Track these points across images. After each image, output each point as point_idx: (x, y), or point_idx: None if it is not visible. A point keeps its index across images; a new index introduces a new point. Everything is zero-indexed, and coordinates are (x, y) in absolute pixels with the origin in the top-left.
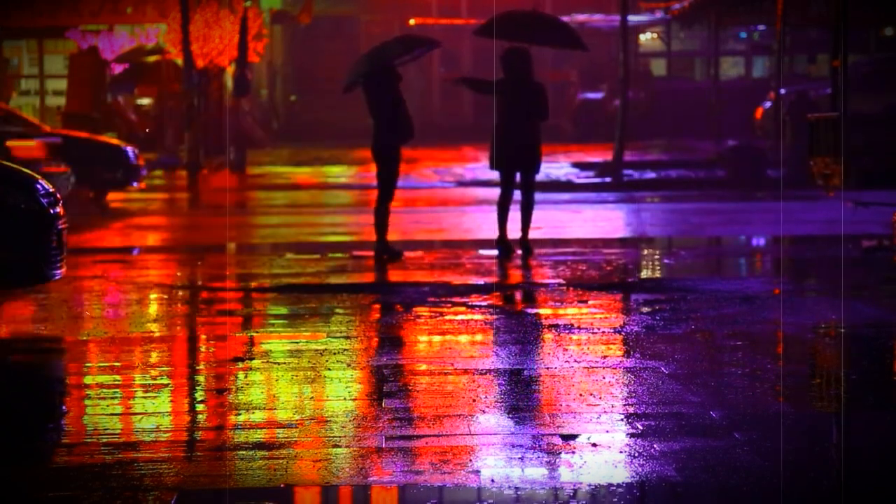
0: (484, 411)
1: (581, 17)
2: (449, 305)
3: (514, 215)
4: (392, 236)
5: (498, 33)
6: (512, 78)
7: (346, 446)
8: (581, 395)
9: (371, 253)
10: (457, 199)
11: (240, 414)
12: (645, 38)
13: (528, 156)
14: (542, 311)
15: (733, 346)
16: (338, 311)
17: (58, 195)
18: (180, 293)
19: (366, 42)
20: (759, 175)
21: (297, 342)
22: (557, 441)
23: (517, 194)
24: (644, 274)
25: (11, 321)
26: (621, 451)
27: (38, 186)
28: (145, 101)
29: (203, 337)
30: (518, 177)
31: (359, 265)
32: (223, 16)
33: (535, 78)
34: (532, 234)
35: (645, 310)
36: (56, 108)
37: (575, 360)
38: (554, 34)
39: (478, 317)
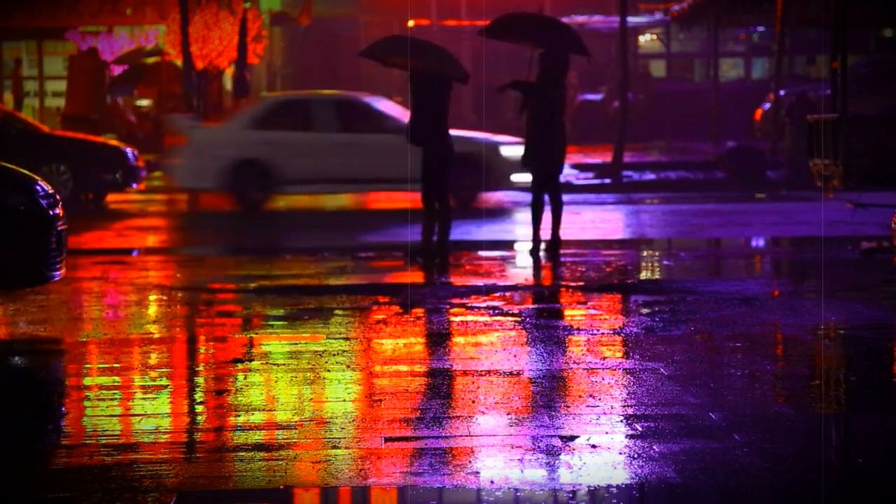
0: (483, 412)
1: (580, 19)
2: (448, 307)
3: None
4: (392, 237)
5: (501, 35)
6: (548, 79)
7: (346, 447)
8: (580, 396)
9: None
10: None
11: (239, 415)
12: (644, 39)
13: (553, 156)
14: (541, 312)
15: (733, 348)
16: (337, 312)
17: (57, 196)
18: (179, 294)
19: (365, 44)
20: (758, 176)
21: (296, 343)
22: (557, 442)
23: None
24: (643, 275)
25: (11, 322)
26: (621, 453)
27: (38, 188)
28: (145, 102)
29: (202, 338)
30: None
31: (358, 266)
32: (223, 17)
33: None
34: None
35: (644, 311)
36: (55, 110)
37: (574, 362)
38: (558, 38)
39: (477, 318)
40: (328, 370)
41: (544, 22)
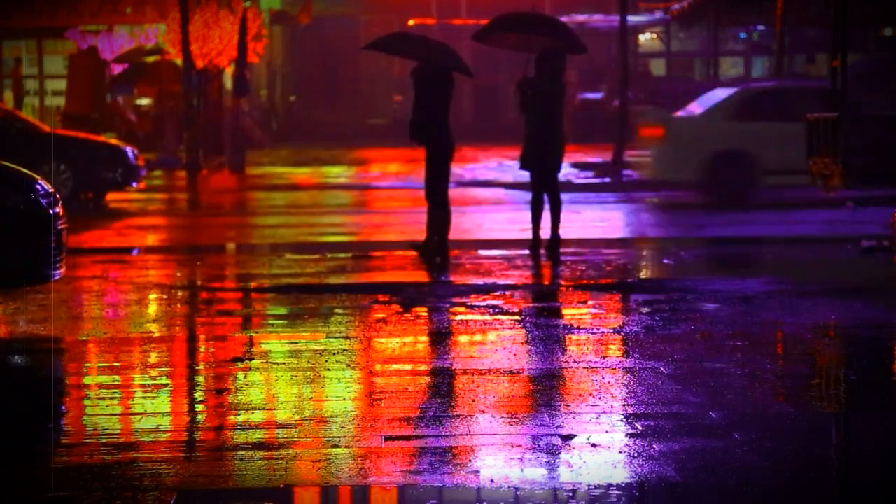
0: (483, 411)
1: (580, 18)
2: (448, 305)
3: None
4: (391, 236)
5: (497, 35)
6: (547, 78)
7: (346, 446)
8: (581, 395)
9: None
10: (456, 200)
11: (239, 414)
12: (644, 38)
13: (551, 155)
14: (541, 311)
15: (732, 347)
16: (337, 311)
17: (57, 195)
18: (180, 293)
19: (365, 42)
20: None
21: (296, 342)
22: (557, 441)
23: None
24: (643, 274)
25: (11, 321)
26: (621, 452)
27: (38, 187)
28: (145, 101)
29: (202, 337)
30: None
31: (358, 265)
32: (222, 16)
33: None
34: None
35: (644, 310)
36: (55, 109)
37: (574, 361)
38: (555, 35)
39: (477, 317)
40: (328, 369)
41: (540, 20)
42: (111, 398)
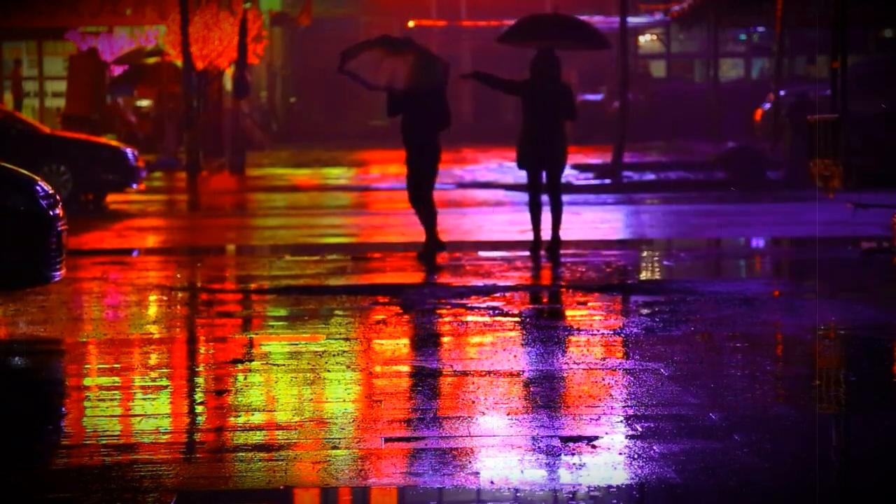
0: (483, 413)
1: (581, 19)
2: (448, 307)
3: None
4: (392, 238)
5: (521, 39)
6: (540, 79)
7: (346, 448)
8: (580, 396)
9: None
10: (456, 201)
11: (239, 415)
12: (644, 39)
13: (553, 156)
14: (541, 312)
15: (733, 348)
16: (337, 312)
17: (57, 197)
18: (180, 295)
19: None
20: (758, 177)
21: (296, 344)
22: (557, 443)
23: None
24: (643, 276)
25: (11, 322)
26: (621, 453)
27: (38, 188)
28: (145, 102)
29: (202, 338)
30: (544, 177)
31: (358, 266)
32: (223, 17)
33: (563, 79)
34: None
35: (644, 311)
36: (55, 110)
37: (574, 362)
38: (579, 35)
39: (477, 318)
40: (328, 370)
41: (562, 21)
42: (111, 399)
